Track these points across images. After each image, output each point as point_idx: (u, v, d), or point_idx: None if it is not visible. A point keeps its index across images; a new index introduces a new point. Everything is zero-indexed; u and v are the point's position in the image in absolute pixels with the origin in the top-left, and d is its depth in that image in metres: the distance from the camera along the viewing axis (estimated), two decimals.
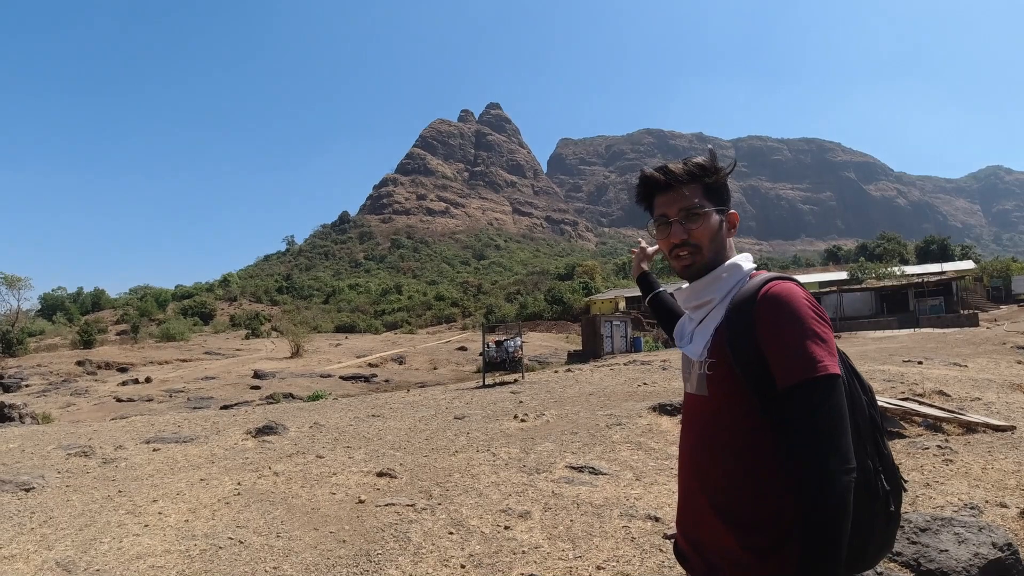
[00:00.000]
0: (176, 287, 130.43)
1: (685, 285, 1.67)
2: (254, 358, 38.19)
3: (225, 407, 15.76)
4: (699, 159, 1.62)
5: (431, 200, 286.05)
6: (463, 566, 3.82)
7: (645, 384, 10.59)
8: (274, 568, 3.84)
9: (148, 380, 27.99)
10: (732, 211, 1.65)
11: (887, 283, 49.05)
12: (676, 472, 5.55)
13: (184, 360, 38.86)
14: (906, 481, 1.53)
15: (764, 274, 1.56)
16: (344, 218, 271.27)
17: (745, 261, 1.62)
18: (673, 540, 1.69)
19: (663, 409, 7.82)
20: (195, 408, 17.69)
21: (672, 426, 7.23)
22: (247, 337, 63.96)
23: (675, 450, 6.27)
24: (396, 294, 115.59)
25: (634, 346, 34.12)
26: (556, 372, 18.18)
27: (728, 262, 1.61)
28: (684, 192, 1.58)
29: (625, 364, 17.04)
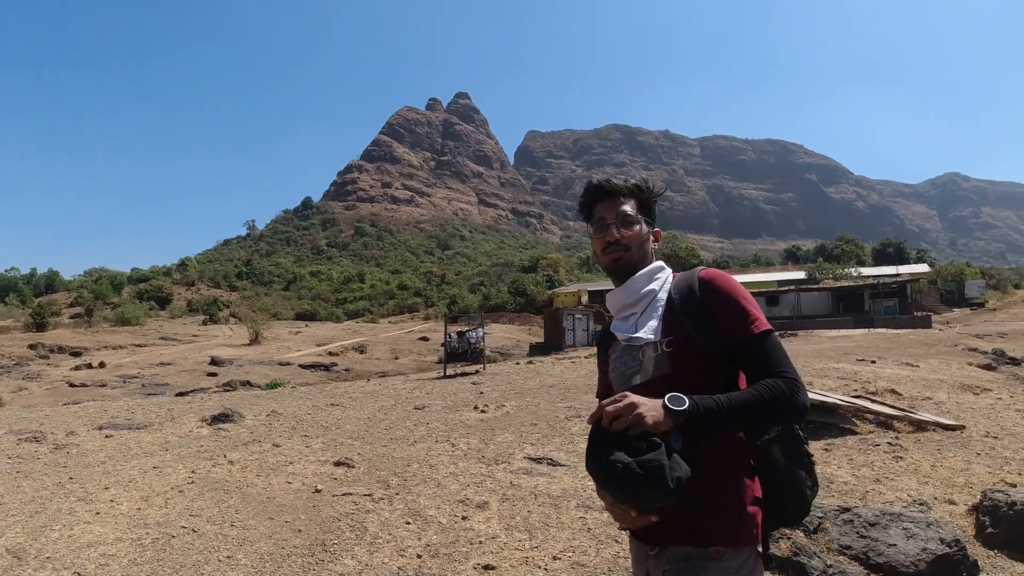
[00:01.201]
0: (132, 270, 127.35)
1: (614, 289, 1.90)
2: (211, 344, 37.55)
3: (181, 394, 15.50)
4: (637, 180, 1.92)
5: (396, 188, 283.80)
6: (419, 556, 3.82)
7: None
8: (228, 557, 3.80)
9: (102, 365, 27.35)
10: (657, 229, 1.95)
11: (844, 284, 50.14)
12: None
13: (139, 345, 38.05)
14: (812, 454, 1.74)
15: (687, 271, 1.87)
16: (307, 204, 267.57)
17: (664, 264, 1.92)
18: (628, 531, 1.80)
19: None
20: (150, 394, 17.36)
21: None
22: (205, 323, 62.81)
23: None
24: (358, 282, 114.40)
25: (595, 339, 34.35)
26: (518, 364, 18.24)
27: (656, 263, 1.90)
28: (622, 202, 1.86)
29: (586, 357, 17.17)
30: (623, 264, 1.84)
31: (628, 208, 1.85)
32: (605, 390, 1.90)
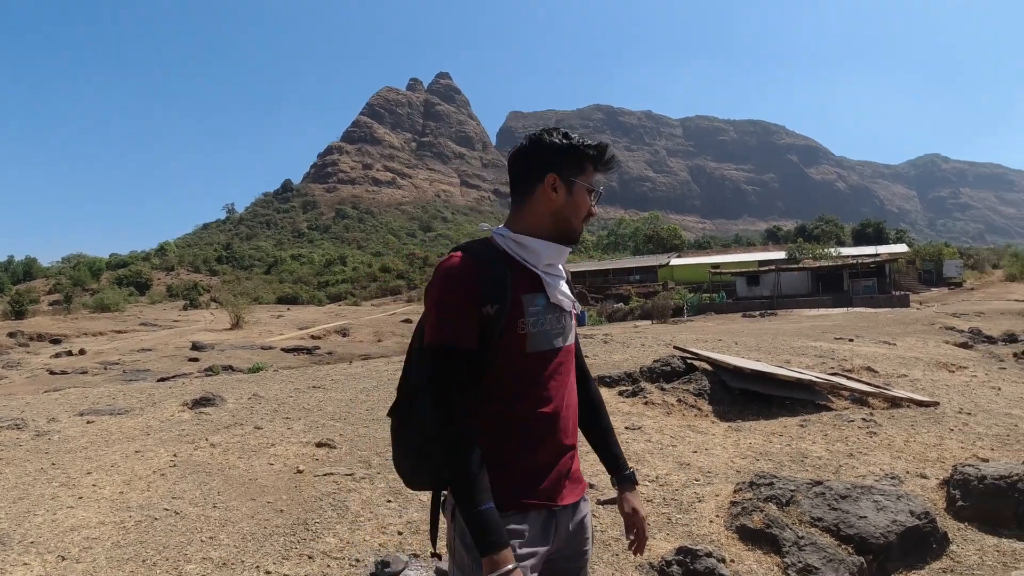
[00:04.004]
0: (111, 256, 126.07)
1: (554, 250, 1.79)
2: (192, 330, 37.30)
3: (162, 379, 15.39)
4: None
5: (377, 170, 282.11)
6: (400, 532, 3.88)
7: (586, 356, 10.72)
8: (210, 538, 3.84)
9: (82, 352, 27.05)
10: None
11: (823, 263, 50.56)
12: None
13: (119, 331, 37.69)
14: None
15: None
16: (287, 186, 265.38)
17: None
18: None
19: (602, 381, 7.99)
20: (131, 380, 17.23)
21: (610, 397, 7.41)
22: (185, 308, 62.43)
23: (613, 421, 6.39)
24: (340, 265, 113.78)
25: (578, 320, 34.45)
26: None
27: None
28: (608, 180, 1.88)
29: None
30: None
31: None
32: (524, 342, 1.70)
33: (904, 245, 70.46)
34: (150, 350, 27.15)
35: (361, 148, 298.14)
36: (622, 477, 1.97)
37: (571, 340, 1.82)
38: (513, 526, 1.63)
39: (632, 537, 1.93)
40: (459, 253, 1.66)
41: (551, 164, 1.73)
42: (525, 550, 1.63)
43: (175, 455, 5.61)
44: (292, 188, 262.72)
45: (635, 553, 1.94)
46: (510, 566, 1.51)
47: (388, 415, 1.77)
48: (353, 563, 3.51)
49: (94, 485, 4.84)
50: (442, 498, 1.77)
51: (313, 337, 33.61)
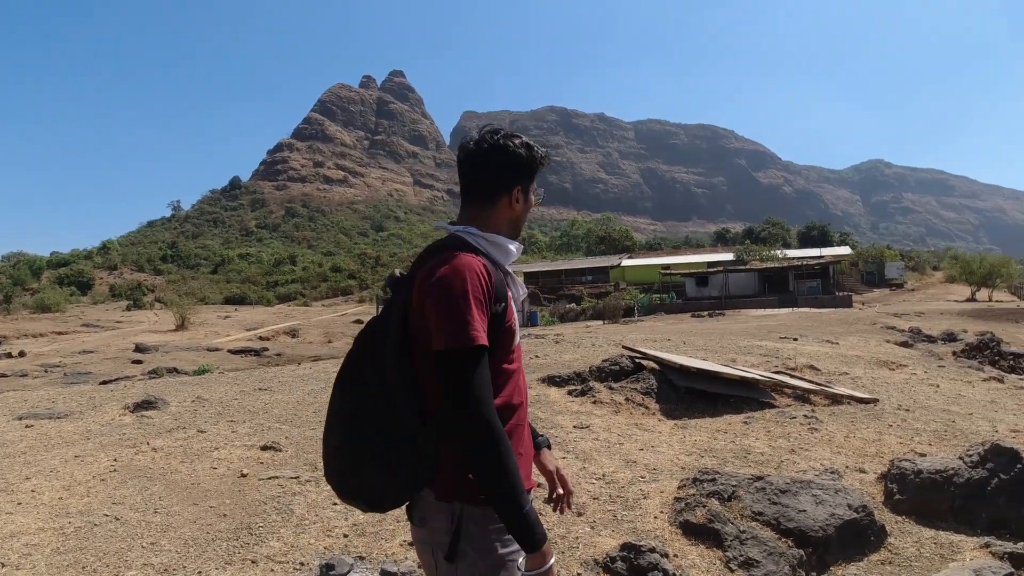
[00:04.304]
0: (52, 254, 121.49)
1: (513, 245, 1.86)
2: (136, 331, 36.38)
3: (104, 382, 14.92)
4: None
5: (329, 168, 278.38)
6: (346, 535, 3.85)
7: (537, 356, 10.82)
8: (151, 544, 3.75)
9: (22, 354, 26.16)
10: None
11: (770, 265, 51.78)
12: (560, 440, 5.74)
13: (61, 333, 36.56)
14: None
15: None
16: (235, 183, 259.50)
17: None
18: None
19: (552, 380, 8.04)
20: (72, 383, 16.66)
21: (560, 396, 7.45)
22: (129, 308, 60.89)
23: (562, 419, 6.48)
24: (290, 265, 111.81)
25: (531, 320, 34.67)
26: None
27: None
28: None
29: (520, 337, 17.35)
30: None
31: None
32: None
33: (848, 247, 72.58)
34: (92, 352, 26.37)
35: (312, 145, 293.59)
36: (538, 443, 2.02)
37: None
38: None
39: (560, 492, 1.98)
40: (467, 254, 1.68)
41: (517, 178, 1.82)
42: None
43: (116, 460, 5.46)
44: (240, 185, 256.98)
45: (565, 510, 1.99)
46: (552, 559, 1.61)
47: (352, 429, 1.69)
48: (297, 567, 3.46)
49: (33, 491, 4.69)
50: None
51: (261, 338, 33.07)
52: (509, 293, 1.76)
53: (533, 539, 1.56)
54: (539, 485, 1.74)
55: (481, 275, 1.64)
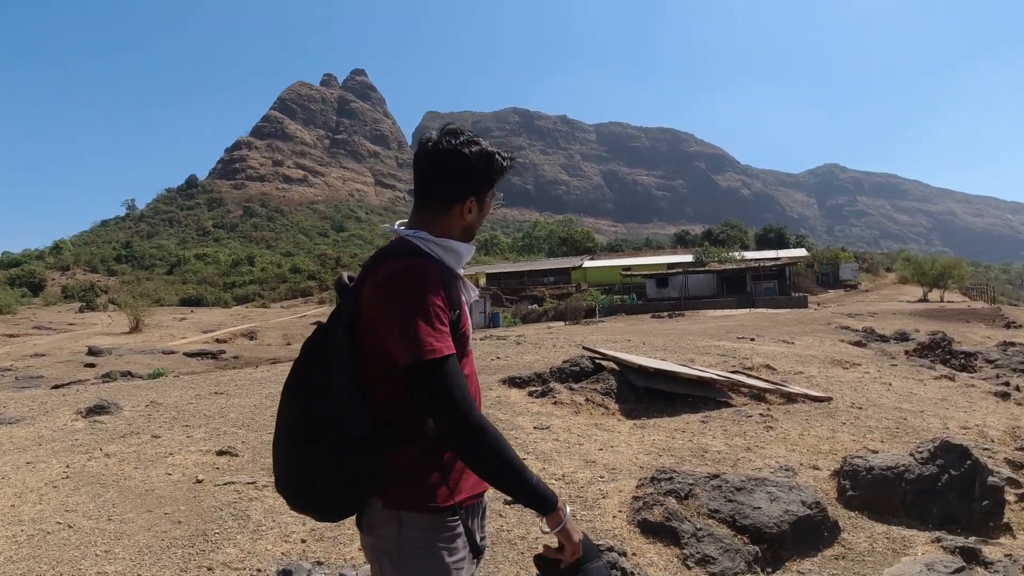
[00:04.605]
0: (2, 254, 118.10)
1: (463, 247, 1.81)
2: (89, 333, 35.43)
3: (57, 386, 14.52)
4: None
5: (288, 167, 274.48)
6: (304, 540, 3.82)
7: (499, 358, 10.83)
8: (105, 552, 3.69)
9: None
10: None
11: (728, 266, 52.55)
12: (520, 441, 5.76)
13: (11, 336, 35.36)
14: None
15: None
16: (192, 182, 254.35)
17: None
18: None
19: (513, 382, 8.05)
20: (23, 388, 16.15)
21: (521, 398, 7.47)
22: (82, 310, 59.17)
23: (522, 420, 6.50)
24: (248, 265, 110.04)
25: (492, 321, 34.70)
26: None
27: None
28: None
29: (482, 339, 17.31)
30: None
31: None
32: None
33: (804, 249, 74.12)
34: (44, 355, 25.62)
35: (271, 144, 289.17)
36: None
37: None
38: (463, 527, 1.70)
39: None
40: (419, 260, 1.65)
41: (473, 188, 1.76)
42: (485, 542, 1.82)
43: (68, 466, 5.34)
44: (197, 184, 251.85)
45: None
46: (568, 512, 1.65)
47: (302, 439, 1.66)
48: (254, 573, 3.43)
49: None
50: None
51: (218, 341, 32.52)
52: (464, 299, 1.75)
53: (548, 504, 1.61)
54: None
55: (436, 284, 1.61)
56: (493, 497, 4.33)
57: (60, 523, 4.10)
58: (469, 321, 1.79)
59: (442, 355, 1.56)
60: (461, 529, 1.69)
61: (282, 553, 3.65)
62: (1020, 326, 22.68)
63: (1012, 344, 15.44)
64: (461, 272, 1.80)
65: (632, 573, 3.37)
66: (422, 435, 1.66)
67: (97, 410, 7.55)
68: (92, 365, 22.21)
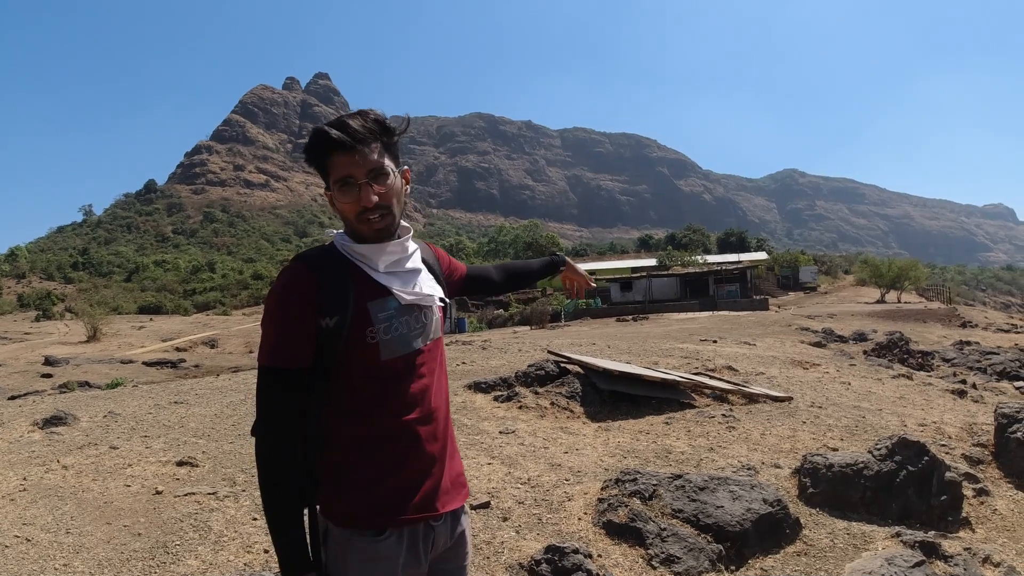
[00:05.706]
0: None
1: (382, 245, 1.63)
2: (45, 342, 34.66)
3: (12, 397, 14.18)
4: (377, 114, 1.61)
5: (250, 171, 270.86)
6: (267, 551, 3.76)
7: (464, 363, 10.81)
8: (64, 565, 3.60)
9: None
10: (406, 168, 1.70)
11: (691, 270, 53.28)
12: (486, 446, 5.76)
13: None
14: None
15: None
16: (150, 187, 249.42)
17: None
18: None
19: (478, 387, 8.03)
20: None
21: (486, 403, 7.47)
22: (37, 319, 57.98)
23: (487, 425, 6.49)
24: (208, 272, 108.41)
25: (458, 327, 34.66)
26: None
27: (404, 224, 1.69)
28: (367, 152, 1.55)
29: (447, 344, 17.29)
30: (390, 231, 1.62)
31: (377, 158, 1.57)
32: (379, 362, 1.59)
33: (764, 253, 75.52)
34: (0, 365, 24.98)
35: (232, 148, 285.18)
36: (556, 262, 2.38)
37: (435, 335, 1.72)
38: (384, 549, 1.55)
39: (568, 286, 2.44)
40: (294, 263, 1.56)
41: (319, 169, 1.61)
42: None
43: (25, 478, 5.20)
44: (156, 189, 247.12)
45: (579, 294, 2.43)
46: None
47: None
48: None
49: None
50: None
51: (178, 349, 32.02)
52: (368, 306, 1.57)
53: (287, 566, 1.50)
54: (434, 518, 1.68)
55: (291, 289, 1.52)
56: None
57: (17, 536, 4.00)
58: (382, 329, 1.57)
59: (261, 364, 1.54)
60: (391, 552, 1.55)
61: (244, 564, 3.61)
62: (975, 326, 23.33)
63: (968, 343, 15.85)
64: (385, 271, 1.61)
65: (597, 574, 3.40)
66: (341, 445, 1.59)
67: (54, 421, 7.36)
68: (49, 375, 21.77)
